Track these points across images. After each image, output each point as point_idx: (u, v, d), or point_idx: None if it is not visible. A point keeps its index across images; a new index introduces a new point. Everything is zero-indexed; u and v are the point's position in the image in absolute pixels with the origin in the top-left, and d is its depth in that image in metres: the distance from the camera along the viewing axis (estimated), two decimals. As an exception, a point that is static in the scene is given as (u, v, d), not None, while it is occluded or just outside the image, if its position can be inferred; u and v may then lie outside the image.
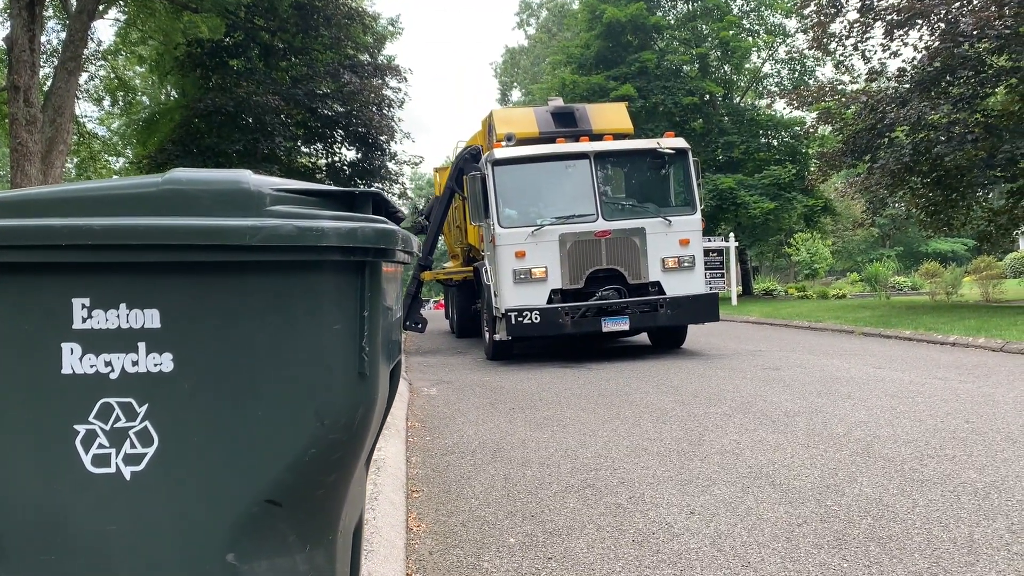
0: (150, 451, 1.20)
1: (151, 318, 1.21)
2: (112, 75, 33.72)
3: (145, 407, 1.22)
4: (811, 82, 30.54)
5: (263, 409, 1.27)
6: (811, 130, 21.70)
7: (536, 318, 10.42)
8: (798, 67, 31.10)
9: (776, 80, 32.07)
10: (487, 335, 12.01)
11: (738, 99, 32.17)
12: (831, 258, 50.85)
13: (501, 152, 11.18)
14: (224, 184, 1.32)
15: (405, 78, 29.25)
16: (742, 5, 31.75)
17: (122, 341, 1.19)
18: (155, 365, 1.20)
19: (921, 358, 10.38)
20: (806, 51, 28.65)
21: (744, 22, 31.40)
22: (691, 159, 11.66)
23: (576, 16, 31.51)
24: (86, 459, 1.19)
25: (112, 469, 1.19)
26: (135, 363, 1.20)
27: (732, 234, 24.96)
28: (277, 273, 1.30)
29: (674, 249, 11.04)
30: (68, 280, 1.18)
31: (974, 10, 14.81)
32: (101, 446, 1.19)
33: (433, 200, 18.10)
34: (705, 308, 11.12)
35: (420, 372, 10.94)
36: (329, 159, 30.37)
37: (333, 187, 1.64)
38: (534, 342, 11.74)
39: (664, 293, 10.94)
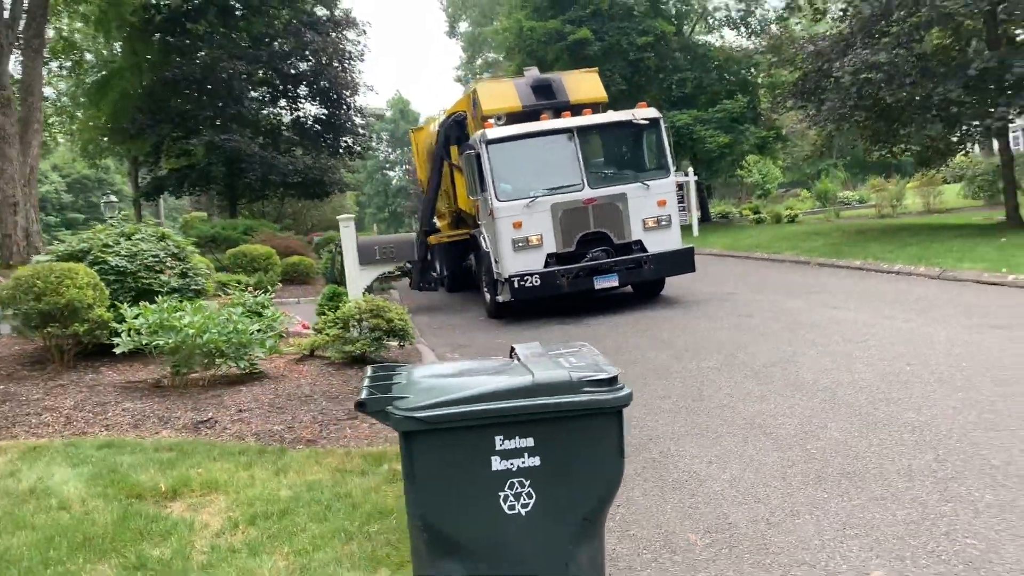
0: (531, 502, 2.47)
1: (529, 441, 2.46)
2: (59, 36, 33.44)
3: (529, 481, 2.49)
4: (758, 13, 31.66)
5: (585, 479, 2.56)
6: (765, 69, 22.91)
7: (537, 281, 11.69)
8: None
9: (725, 13, 33.07)
10: (487, 296, 13.31)
11: (688, 31, 33.17)
12: (782, 176, 52.68)
13: (493, 132, 12.29)
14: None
15: (364, 31, 29.71)
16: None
17: (516, 453, 2.47)
18: (533, 461, 2.46)
19: (871, 292, 11.96)
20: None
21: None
22: (663, 126, 12.92)
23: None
24: (504, 507, 2.47)
25: (516, 511, 2.48)
26: (524, 463, 2.46)
27: (691, 168, 26.33)
28: (585, 419, 2.56)
29: (653, 210, 12.38)
30: (493, 428, 2.43)
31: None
32: (509, 501, 2.46)
33: (426, 163, 18.95)
34: (683, 261, 12.58)
35: (433, 336, 12.22)
36: (293, 115, 30.88)
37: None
38: (532, 301, 13.04)
39: (646, 250, 12.27)
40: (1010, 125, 17.79)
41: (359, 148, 30.45)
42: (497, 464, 2.43)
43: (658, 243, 12.35)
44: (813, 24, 21.95)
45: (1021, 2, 15.74)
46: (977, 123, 17.31)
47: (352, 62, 29.39)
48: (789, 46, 19.86)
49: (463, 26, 68.26)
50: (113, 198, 27.10)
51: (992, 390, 6.31)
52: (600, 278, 11.96)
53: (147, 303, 8.17)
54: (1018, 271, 11.74)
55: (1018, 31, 18.45)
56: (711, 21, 33.90)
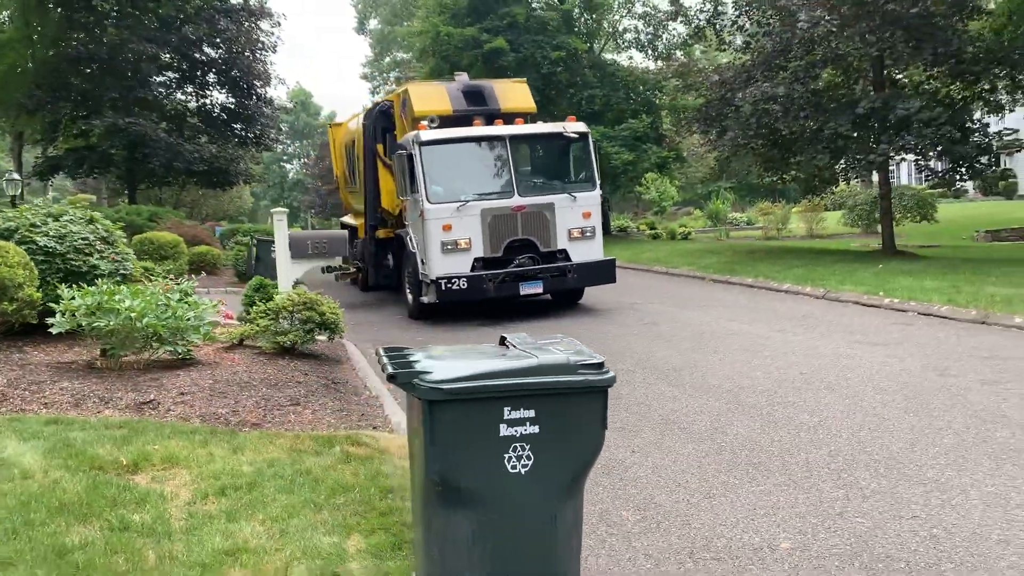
0: (530, 463, 2.95)
1: (531, 412, 2.93)
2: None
3: (529, 446, 2.96)
4: (664, 37, 33.07)
5: (574, 445, 3.06)
6: (671, 93, 24.05)
7: (464, 284, 11.91)
8: (652, 23, 33.47)
9: (633, 35, 34.36)
10: (410, 296, 13.41)
11: (598, 50, 34.30)
12: (677, 195, 54.85)
13: (427, 134, 12.39)
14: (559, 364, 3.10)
15: (279, 22, 29.48)
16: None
17: (520, 422, 2.94)
18: (532, 427, 2.94)
19: (762, 308, 12.96)
20: (660, 9, 31.07)
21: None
22: (591, 141, 13.33)
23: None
24: (507, 467, 2.93)
25: (517, 470, 2.96)
26: (524, 430, 2.93)
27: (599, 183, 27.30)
28: (578, 395, 3.06)
29: (578, 221, 12.77)
30: (503, 400, 2.90)
31: (810, 5, 17.34)
32: (512, 461, 2.93)
33: (343, 159, 18.64)
34: (604, 272, 13.12)
35: (353, 332, 12.40)
36: (200, 101, 30.29)
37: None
38: (456, 303, 13.00)
39: (570, 259, 12.67)
40: (890, 160, 19.37)
41: (267, 140, 30.14)
42: (504, 431, 2.91)
43: (582, 253, 12.74)
44: (718, 53, 23.25)
45: (905, 51, 17.26)
46: (860, 157, 18.78)
47: (264, 53, 29.13)
48: (696, 74, 20.97)
49: (373, 23, 67.95)
50: (16, 176, 25.87)
51: (874, 397, 7.17)
52: (526, 284, 12.29)
53: (77, 285, 8.23)
54: (893, 295, 12.95)
55: (900, 76, 20.15)
56: (620, 42, 35.13)
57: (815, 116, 18.11)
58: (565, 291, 13.60)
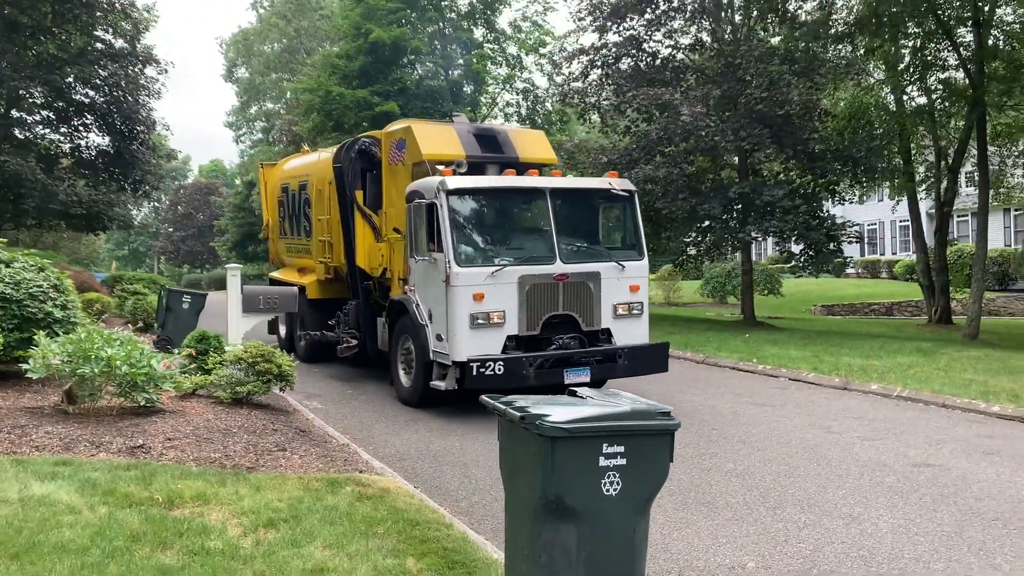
0: (619, 487, 3.84)
1: (621, 448, 3.84)
2: None
3: (618, 474, 3.86)
4: (542, 111, 35.10)
5: (650, 474, 3.98)
6: (557, 168, 25.70)
7: (500, 369, 9.48)
8: (531, 98, 35.50)
9: (515, 108, 36.26)
10: (405, 377, 11.06)
11: (480, 121, 35.91)
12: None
13: (454, 181, 10.10)
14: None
15: (165, 69, 29.26)
16: (486, 34, 35.46)
17: (613, 455, 3.84)
18: (622, 460, 3.84)
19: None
20: (539, 87, 33.18)
21: (487, 47, 35.15)
22: (636, 201, 11.18)
23: (339, 27, 33.22)
24: (603, 490, 3.81)
25: (609, 493, 3.84)
26: (616, 462, 3.83)
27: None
28: (655, 436, 4.01)
29: (625, 295, 10.62)
30: (603, 438, 3.82)
31: (690, 102, 19.43)
32: (606, 486, 3.82)
33: (275, 205, 16.64)
34: (656, 359, 10.76)
35: (352, 430, 10.27)
36: (74, 143, 29.43)
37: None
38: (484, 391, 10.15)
39: (612, 341, 10.47)
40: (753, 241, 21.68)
41: (147, 186, 29.55)
42: (602, 462, 3.79)
43: (627, 334, 10.60)
44: (603, 135, 25.28)
45: (770, 145, 19.61)
46: (729, 236, 20.91)
47: (149, 99, 28.77)
48: (586, 154, 22.70)
49: (242, 72, 67.47)
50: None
51: (780, 449, 8.51)
52: (571, 371, 9.88)
53: (31, 331, 8.48)
54: (765, 362, 14.68)
55: (760, 166, 22.64)
56: (503, 115, 36.92)
57: (690, 199, 20.08)
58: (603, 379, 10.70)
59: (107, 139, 28.91)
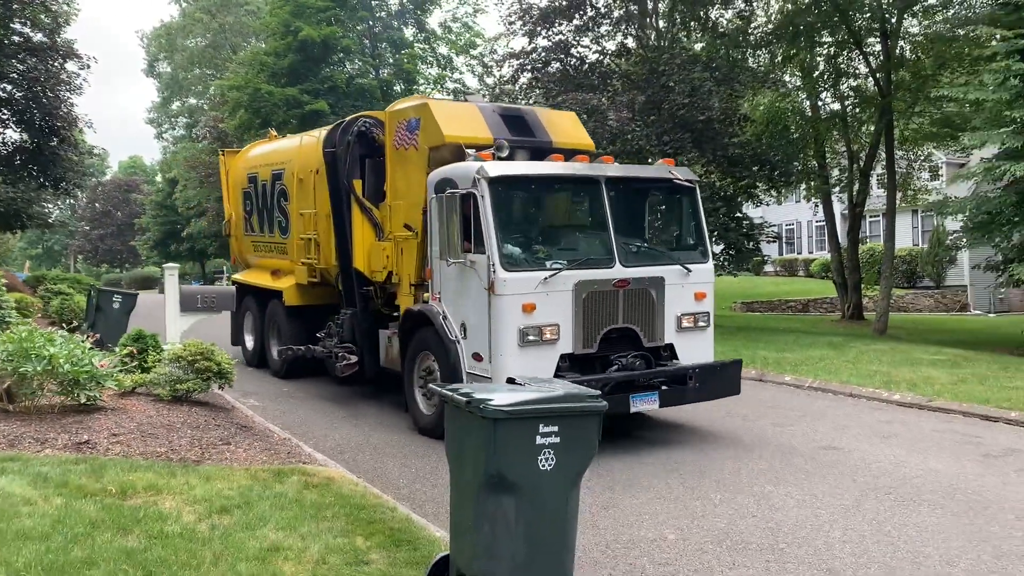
0: (553, 463, 4.26)
1: (555, 428, 4.26)
2: None
3: (553, 451, 4.27)
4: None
5: (580, 450, 4.42)
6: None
7: None
8: (463, 100, 35.87)
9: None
10: (423, 402, 9.45)
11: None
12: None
13: (496, 167, 8.48)
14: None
15: (88, 65, 28.65)
16: (416, 34, 35.74)
17: (548, 435, 4.26)
18: (556, 438, 4.26)
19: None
20: (471, 88, 33.51)
21: (417, 47, 35.44)
22: (699, 194, 9.68)
23: (267, 24, 33.03)
24: (539, 465, 4.22)
25: (545, 468, 4.26)
26: (551, 440, 4.25)
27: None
28: (586, 417, 4.46)
29: (690, 304, 9.12)
30: (540, 419, 4.23)
31: (617, 107, 20.10)
32: (542, 462, 4.23)
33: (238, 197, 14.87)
34: (729, 380, 9.16)
35: (292, 425, 10.10)
36: (-15, 136, 28.58)
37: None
38: None
39: (677, 358, 9.04)
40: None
41: (70, 184, 28.89)
42: (539, 440, 4.22)
43: (692, 350, 9.13)
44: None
45: (692, 149, 20.42)
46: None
47: (70, 94, 28.14)
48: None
49: (163, 67, 66.16)
50: None
51: (695, 435, 9.10)
52: (637, 397, 8.34)
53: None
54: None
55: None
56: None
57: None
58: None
59: (25, 135, 28.20)
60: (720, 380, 9.05)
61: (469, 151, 8.97)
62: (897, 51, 23.84)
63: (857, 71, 25.28)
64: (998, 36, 15.21)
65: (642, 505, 6.73)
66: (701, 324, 9.24)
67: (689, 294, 9.15)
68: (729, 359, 9.60)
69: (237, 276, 15.17)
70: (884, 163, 23.76)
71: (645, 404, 8.42)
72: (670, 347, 9.03)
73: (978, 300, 32.25)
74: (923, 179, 30.86)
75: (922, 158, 29.22)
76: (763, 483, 7.32)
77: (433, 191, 9.06)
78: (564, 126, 10.61)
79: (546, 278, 8.29)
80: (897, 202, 24.62)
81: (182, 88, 62.65)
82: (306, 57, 30.57)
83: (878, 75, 23.23)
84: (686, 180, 9.41)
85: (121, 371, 10.06)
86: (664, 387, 8.61)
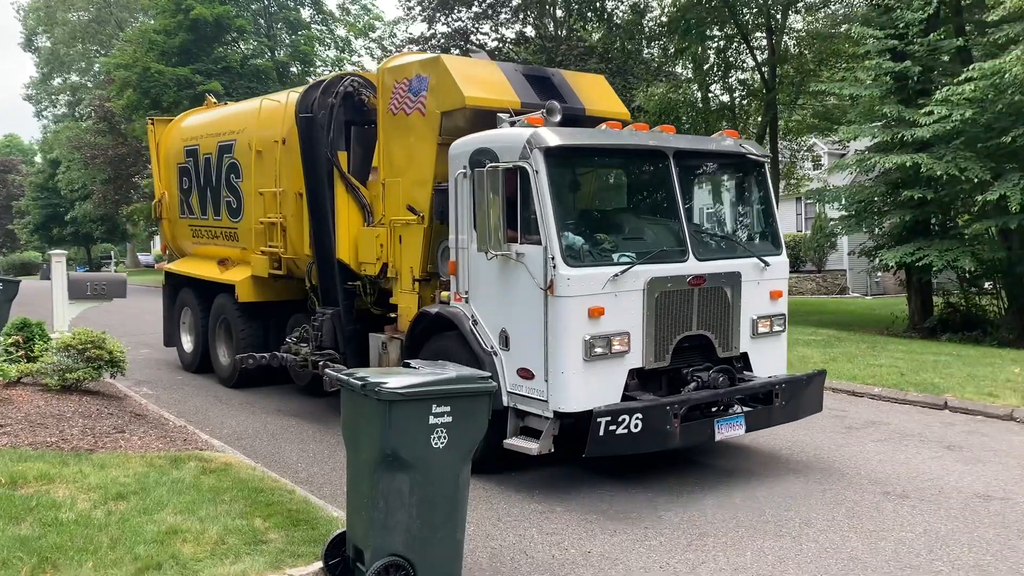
0: (446, 441, 4.47)
1: (448, 408, 4.48)
2: None
3: (445, 430, 4.48)
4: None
5: (472, 429, 4.66)
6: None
7: (637, 424, 6.37)
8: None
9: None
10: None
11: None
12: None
13: (553, 135, 6.80)
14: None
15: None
16: (314, 15, 35.17)
17: (441, 414, 4.48)
18: (448, 417, 4.49)
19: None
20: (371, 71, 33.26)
21: (315, 28, 34.89)
22: (768, 174, 8.24)
23: (156, 1, 31.90)
24: (432, 443, 4.43)
25: (438, 446, 4.47)
26: (443, 419, 4.48)
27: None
28: (476, 397, 4.70)
29: (765, 305, 7.67)
30: (433, 400, 4.45)
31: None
32: (435, 440, 4.44)
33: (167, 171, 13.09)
34: (813, 395, 7.73)
35: (187, 413, 10.00)
36: None
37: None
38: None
39: (751, 370, 7.58)
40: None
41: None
42: (431, 420, 4.45)
43: (766, 360, 7.71)
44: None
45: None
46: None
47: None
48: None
49: (42, 41, 62.84)
50: None
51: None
52: (722, 423, 6.97)
53: None
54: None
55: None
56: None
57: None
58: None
59: None
60: (804, 397, 7.57)
61: (502, 115, 7.51)
62: (782, 46, 25.00)
63: (745, 64, 26.39)
64: (871, 35, 16.17)
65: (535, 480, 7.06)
66: (776, 328, 7.77)
67: (765, 292, 7.69)
68: (810, 371, 8.15)
69: (171, 266, 13.22)
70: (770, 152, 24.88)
71: (731, 430, 7.01)
72: (744, 357, 7.53)
73: (856, 283, 34.15)
74: (806, 168, 32.47)
75: (805, 148, 30.74)
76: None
77: (463, 165, 7.29)
78: (595, 91, 8.97)
79: (616, 275, 6.67)
80: (781, 190, 25.85)
81: (64, 64, 59.69)
82: (198, 36, 29.72)
83: (764, 69, 24.30)
84: (759, 155, 8.01)
85: (5, 361, 9.82)
86: (747, 408, 7.27)
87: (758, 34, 25.46)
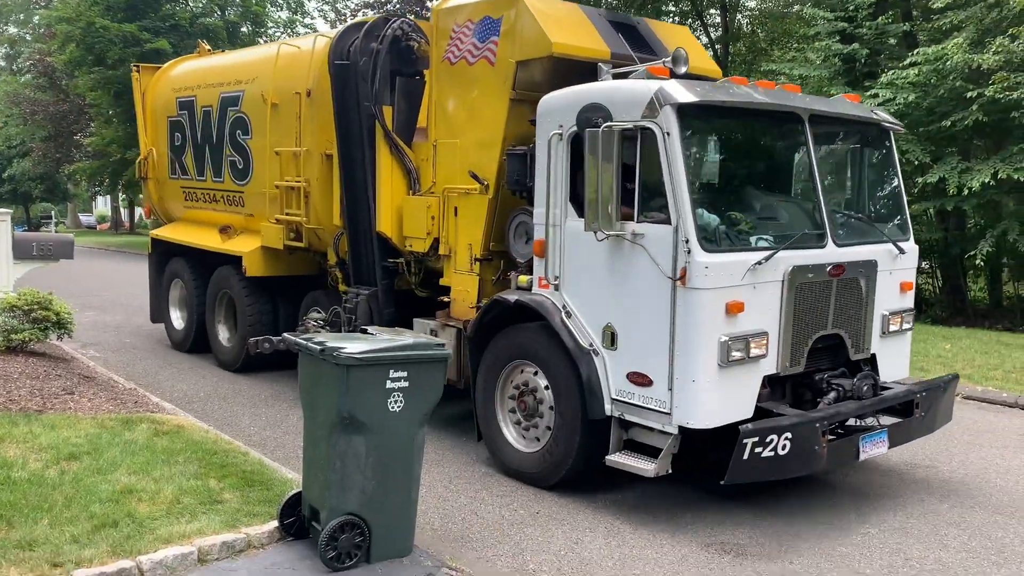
0: (402, 405, 4.59)
1: (404, 373, 4.58)
2: None
3: (402, 394, 4.59)
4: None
5: (427, 394, 4.79)
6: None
7: (785, 445, 5.39)
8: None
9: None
10: (515, 438, 6.53)
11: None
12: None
13: (688, 90, 5.61)
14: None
15: None
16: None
17: (397, 379, 4.60)
18: (405, 382, 4.59)
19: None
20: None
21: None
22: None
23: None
24: (389, 407, 4.53)
25: (394, 409, 4.59)
26: (400, 384, 4.59)
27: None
28: (432, 363, 4.80)
29: (895, 298, 6.71)
30: (389, 365, 4.54)
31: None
32: (391, 404, 4.55)
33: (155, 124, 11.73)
34: (948, 404, 6.77)
35: (137, 376, 9.55)
36: None
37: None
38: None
39: (878, 375, 6.49)
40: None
41: None
42: (389, 384, 4.56)
43: (892, 363, 6.77)
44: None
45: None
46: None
47: None
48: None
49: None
50: None
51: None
52: (866, 440, 5.96)
53: None
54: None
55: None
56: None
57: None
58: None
59: None
60: (942, 405, 6.63)
61: (603, 66, 6.42)
62: (735, 24, 25.29)
63: (700, 40, 26.63)
64: (822, 16, 16.46)
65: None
66: (906, 326, 6.83)
67: (896, 284, 6.73)
68: (942, 375, 7.09)
69: (159, 232, 11.85)
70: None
71: (875, 448, 6.01)
72: (872, 359, 6.55)
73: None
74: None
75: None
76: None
77: (560, 124, 6.11)
78: (684, 44, 7.09)
79: (759, 263, 5.57)
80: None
81: (1, 15, 57.46)
82: (146, -9, 28.92)
83: (717, 46, 24.58)
84: (893, 124, 7.07)
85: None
86: (887, 420, 6.32)
87: (712, 11, 25.74)
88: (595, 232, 5.65)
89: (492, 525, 5.56)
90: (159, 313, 11.94)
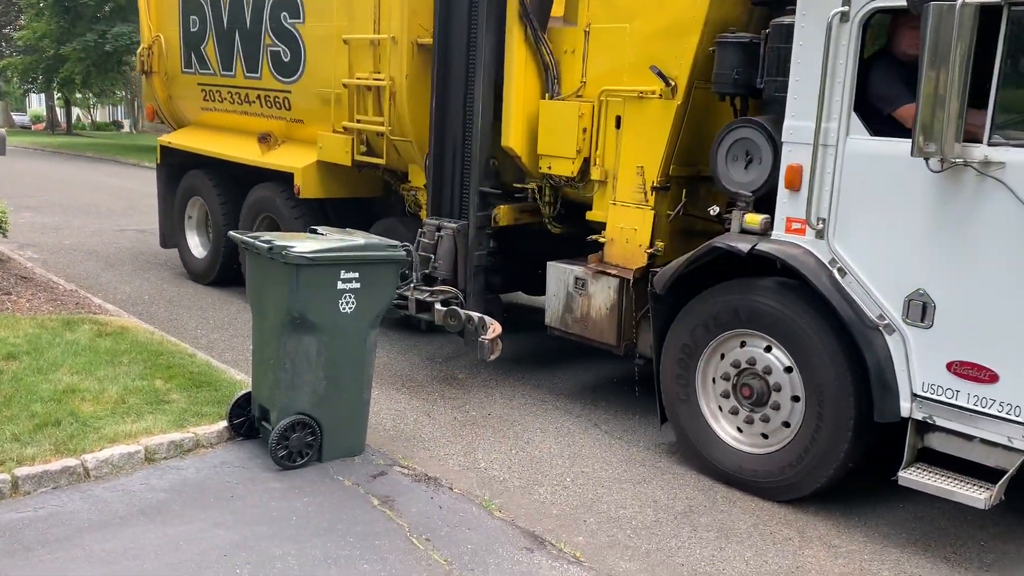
0: (354, 306, 4.56)
1: (356, 274, 4.48)
2: None
3: (353, 295, 4.53)
4: None
5: (379, 295, 4.71)
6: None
7: None
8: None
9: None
10: (730, 429, 4.97)
11: None
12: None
13: None
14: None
15: None
16: None
17: (349, 280, 4.48)
18: (356, 283, 4.54)
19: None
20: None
21: None
22: None
23: None
24: (340, 308, 4.47)
25: (345, 310, 4.54)
26: (351, 285, 4.48)
27: None
28: (385, 264, 4.72)
29: None
30: (341, 265, 4.44)
31: None
32: (343, 305, 4.52)
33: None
34: None
35: (77, 278, 9.40)
36: None
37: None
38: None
39: None
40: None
41: None
42: (339, 285, 4.46)
43: None
44: None
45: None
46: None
47: None
48: None
49: None
50: None
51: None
52: None
53: None
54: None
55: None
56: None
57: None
58: None
59: None
60: None
61: None
62: None
63: None
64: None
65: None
66: None
67: None
68: None
69: (171, 138, 9.75)
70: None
71: None
72: None
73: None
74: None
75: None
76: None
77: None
78: None
79: None
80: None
81: None
82: None
83: None
84: None
85: None
86: None
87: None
88: (927, 159, 3.99)
89: (444, 426, 5.59)
90: (170, 237, 9.98)
